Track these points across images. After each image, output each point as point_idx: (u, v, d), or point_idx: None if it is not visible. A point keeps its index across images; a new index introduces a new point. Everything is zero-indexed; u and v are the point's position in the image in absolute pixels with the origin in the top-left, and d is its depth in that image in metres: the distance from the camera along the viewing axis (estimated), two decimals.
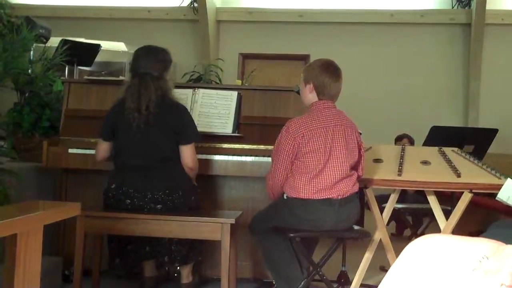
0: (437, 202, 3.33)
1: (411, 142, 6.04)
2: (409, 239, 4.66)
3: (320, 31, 8.38)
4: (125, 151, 3.19)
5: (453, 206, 3.36)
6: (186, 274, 3.28)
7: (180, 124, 3.20)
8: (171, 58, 3.35)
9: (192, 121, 3.29)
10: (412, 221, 5.59)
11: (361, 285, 3.47)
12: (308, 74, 3.08)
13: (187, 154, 3.21)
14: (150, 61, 3.23)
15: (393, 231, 5.80)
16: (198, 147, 3.34)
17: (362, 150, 3.10)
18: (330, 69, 3.05)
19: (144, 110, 3.11)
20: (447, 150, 3.49)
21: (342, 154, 2.94)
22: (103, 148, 3.28)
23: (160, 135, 3.15)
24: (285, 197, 2.99)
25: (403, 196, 5.62)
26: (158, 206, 3.13)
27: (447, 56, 8.28)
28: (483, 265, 0.80)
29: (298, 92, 3.35)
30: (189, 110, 3.39)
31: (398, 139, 6.15)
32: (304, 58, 8.12)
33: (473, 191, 3.13)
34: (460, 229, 3.47)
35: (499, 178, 3.10)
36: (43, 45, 5.00)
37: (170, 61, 3.35)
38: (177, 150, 3.22)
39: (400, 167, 3.27)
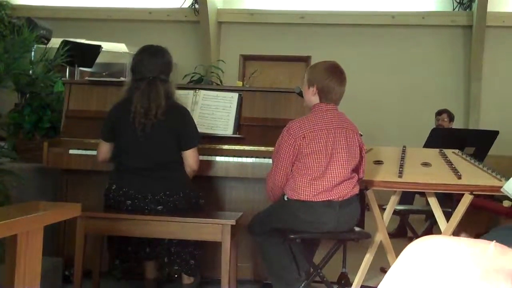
0: (438, 204, 3.32)
1: (451, 118, 6.12)
2: (409, 240, 4.65)
3: (321, 33, 8.39)
4: (126, 152, 3.18)
5: (454, 208, 3.36)
6: (186, 275, 3.28)
7: (184, 129, 3.20)
8: (172, 58, 3.35)
9: (195, 125, 3.29)
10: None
11: (362, 286, 3.46)
12: (312, 77, 3.02)
13: (192, 157, 3.22)
14: (158, 63, 3.21)
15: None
16: (199, 148, 3.34)
17: (364, 153, 3.09)
18: (336, 74, 3.00)
19: (153, 116, 3.10)
20: (448, 151, 3.48)
21: (343, 157, 2.92)
22: (105, 149, 3.27)
23: (163, 138, 3.15)
24: (285, 199, 2.98)
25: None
26: (159, 207, 3.12)
27: (448, 58, 8.29)
28: (484, 265, 0.80)
29: (299, 94, 3.34)
30: (189, 111, 3.39)
31: (438, 114, 6.26)
32: (305, 59, 8.13)
33: (473, 193, 3.13)
34: (465, 232, 3.47)
35: (500, 180, 3.10)
36: (44, 46, 5.00)
37: (172, 61, 3.34)
38: (178, 152, 3.21)
39: (400, 169, 3.27)
